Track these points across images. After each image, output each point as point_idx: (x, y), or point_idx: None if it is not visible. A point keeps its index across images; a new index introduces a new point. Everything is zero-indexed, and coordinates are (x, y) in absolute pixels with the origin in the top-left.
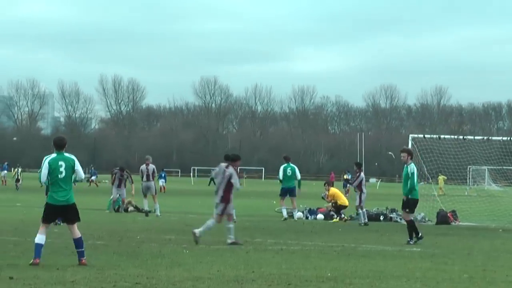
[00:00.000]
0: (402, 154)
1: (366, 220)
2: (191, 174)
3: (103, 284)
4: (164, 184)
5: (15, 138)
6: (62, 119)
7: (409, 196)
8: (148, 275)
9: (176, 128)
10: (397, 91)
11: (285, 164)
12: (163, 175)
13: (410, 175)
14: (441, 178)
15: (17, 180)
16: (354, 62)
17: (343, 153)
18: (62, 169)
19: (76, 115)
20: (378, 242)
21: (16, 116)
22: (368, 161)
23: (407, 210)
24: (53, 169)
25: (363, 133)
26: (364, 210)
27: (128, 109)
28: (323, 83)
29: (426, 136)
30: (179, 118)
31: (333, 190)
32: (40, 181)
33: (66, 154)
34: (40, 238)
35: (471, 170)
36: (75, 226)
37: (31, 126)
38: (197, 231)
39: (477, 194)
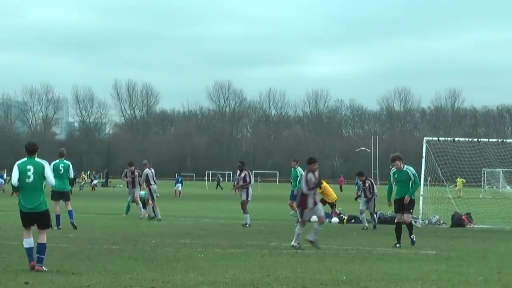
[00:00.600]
0: (396, 163)
1: (375, 224)
2: (206, 178)
3: None
4: (180, 188)
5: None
6: (76, 124)
7: (413, 197)
8: (163, 280)
9: (190, 133)
10: (411, 94)
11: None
12: (179, 179)
13: (413, 177)
14: (459, 180)
15: None
16: (368, 66)
17: (357, 156)
18: (30, 173)
19: (90, 120)
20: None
21: (30, 121)
22: (382, 164)
23: (412, 211)
24: (20, 173)
25: (377, 137)
26: (375, 215)
27: (142, 114)
28: (337, 87)
29: (440, 139)
30: (193, 122)
31: (325, 184)
32: (12, 185)
33: (37, 160)
34: (27, 242)
35: (485, 172)
36: (45, 232)
37: (45, 131)
38: (311, 238)
39: (491, 196)
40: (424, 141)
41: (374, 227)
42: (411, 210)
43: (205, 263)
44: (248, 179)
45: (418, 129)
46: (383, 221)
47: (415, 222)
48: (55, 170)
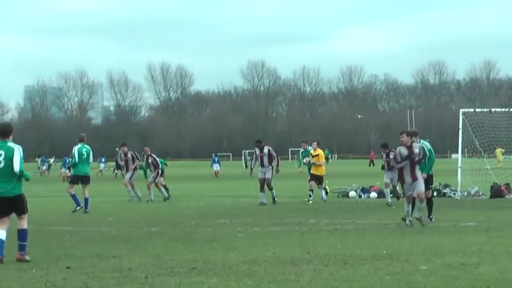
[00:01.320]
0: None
1: (399, 195)
2: (242, 157)
3: (159, 270)
4: (218, 168)
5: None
6: (111, 108)
7: (430, 173)
8: (204, 260)
9: (225, 113)
10: (446, 67)
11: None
12: (216, 159)
13: (429, 153)
14: (498, 150)
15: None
16: (402, 39)
17: (393, 131)
18: (1, 158)
19: (126, 104)
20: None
21: (66, 106)
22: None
23: (430, 186)
24: None
25: (413, 110)
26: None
27: (177, 96)
28: (371, 62)
29: (476, 110)
30: (228, 102)
31: (321, 151)
32: None
33: (10, 144)
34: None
35: None
36: (24, 217)
37: (81, 116)
38: (417, 215)
39: None
40: (461, 113)
41: (398, 198)
42: (430, 186)
43: (245, 242)
44: (274, 153)
45: (454, 101)
46: None
47: (454, 194)
48: (80, 154)
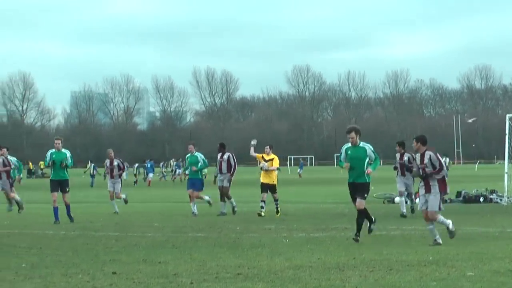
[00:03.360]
0: (351, 135)
1: (413, 206)
2: (287, 163)
3: (205, 276)
4: None
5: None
6: (157, 114)
7: (368, 181)
8: (249, 266)
9: (270, 118)
10: (492, 71)
11: None
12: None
13: (374, 154)
14: None
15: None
16: (447, 44)
17: (439, 136)
18: None
19: (171, 109)
20: (479, 224)
21: (112, 112)
22: (464, 143)
23: (366, 195)
24: None
25: (459, 115)
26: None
27: (222, 101)
28: (416, 67)
29: None
30: (273, 107)
31: (275, 156)
32: None
33: None
34: None
35: None
36: None
37: (127, 122)
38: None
39: None
40: (507, 118)
41: (412, 210)
42: (366, 195)
43: (290, 248)
44: (233, 162)
45: (500, 106)
46: (468, 200)
47: (500, 200)
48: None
